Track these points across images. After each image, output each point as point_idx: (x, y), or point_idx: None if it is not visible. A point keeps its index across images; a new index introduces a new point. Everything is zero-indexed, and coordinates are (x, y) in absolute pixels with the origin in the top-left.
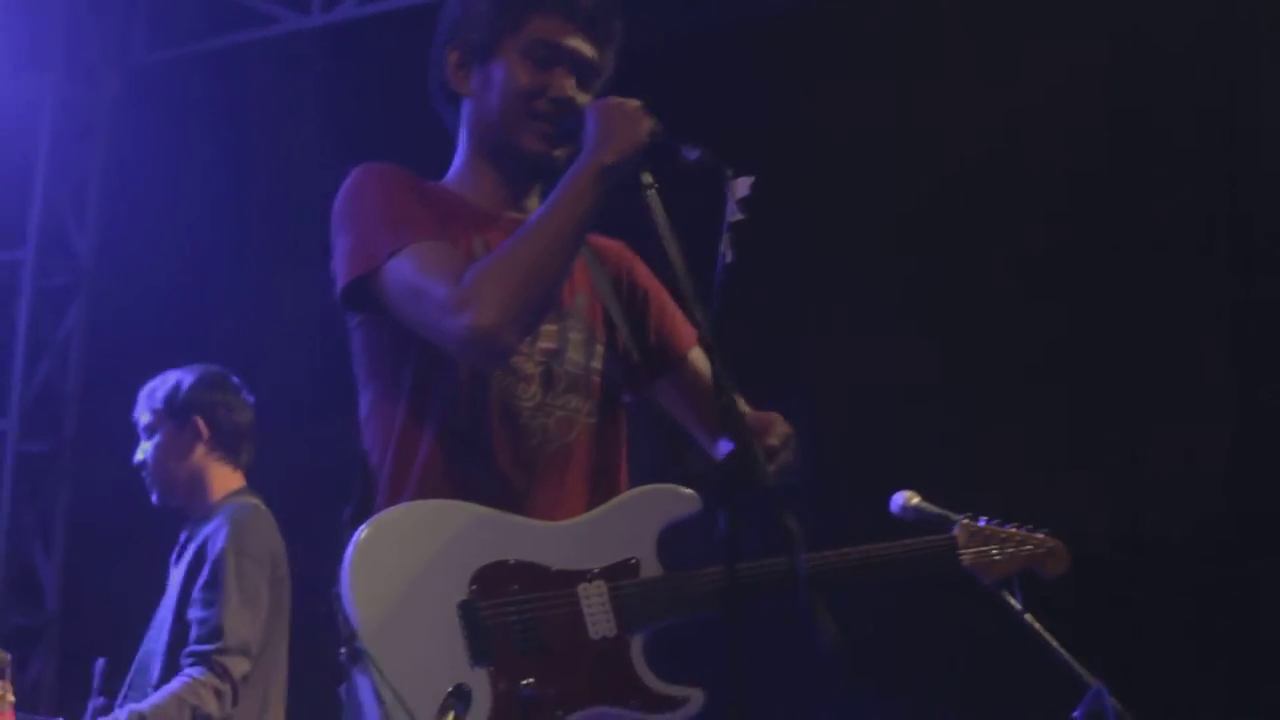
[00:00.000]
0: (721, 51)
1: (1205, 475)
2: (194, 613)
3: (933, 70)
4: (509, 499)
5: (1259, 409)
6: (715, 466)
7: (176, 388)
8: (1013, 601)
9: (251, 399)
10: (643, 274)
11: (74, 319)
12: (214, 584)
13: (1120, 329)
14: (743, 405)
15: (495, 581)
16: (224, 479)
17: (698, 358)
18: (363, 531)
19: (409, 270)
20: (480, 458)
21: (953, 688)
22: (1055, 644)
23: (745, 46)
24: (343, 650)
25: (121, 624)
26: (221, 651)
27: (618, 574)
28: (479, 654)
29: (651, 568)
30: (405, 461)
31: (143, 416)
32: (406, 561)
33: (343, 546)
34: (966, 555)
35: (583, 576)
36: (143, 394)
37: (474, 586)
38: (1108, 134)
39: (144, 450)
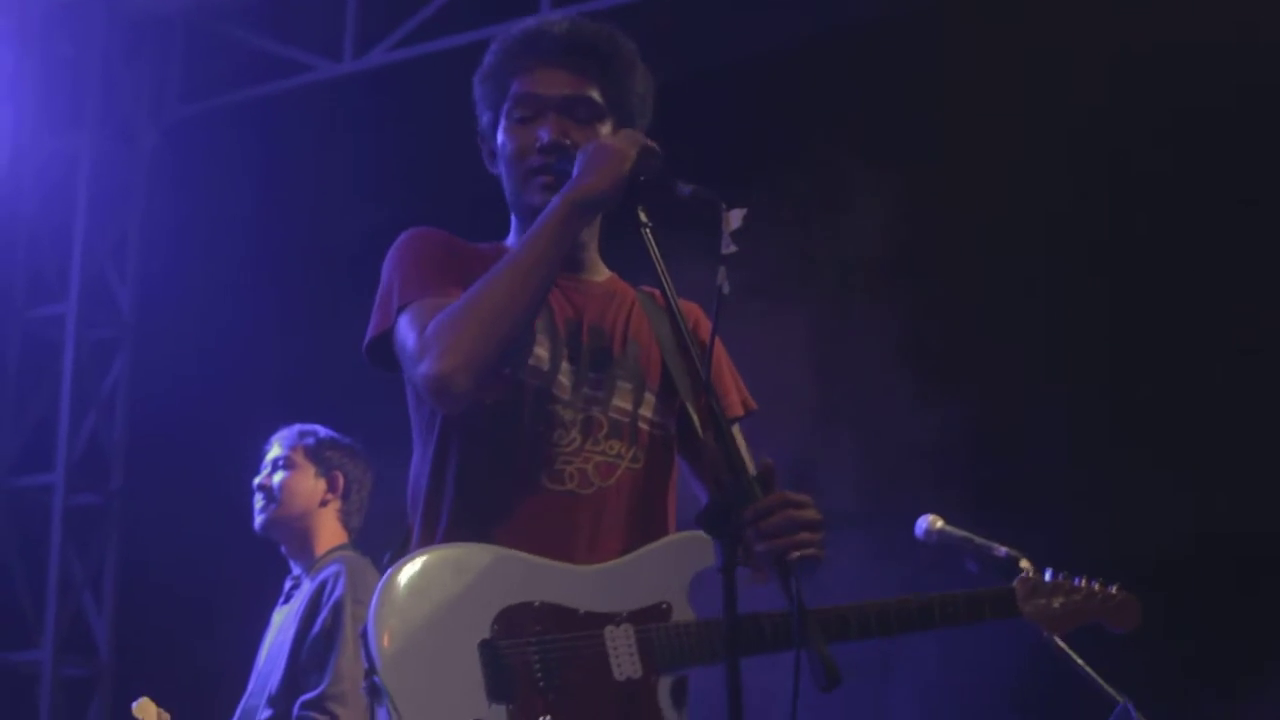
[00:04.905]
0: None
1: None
2: (309, 661)
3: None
4: (540, 542)
5: None
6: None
7: (332, 441)
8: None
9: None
10: (705, 334)
11: (118, 372)
12: (332, 631)
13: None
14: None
15: (518, 622)
16: (334, 533)
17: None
18: (390, 572)
19: (404, 325)
20: (511, 503)
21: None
22: (1081, 662)
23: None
24: (364, 686)
25: (174, 672)
26: (337, 699)
27: (646, 617)
28: (497, 692)
29: (684, 613)
30: (435, 506)
31: (284, 450)
32: (431, 601)
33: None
34: (1028, 608)
35: (610, 619)
36: (290, 431)
37: (496, 626)
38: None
39: (277, 477)
